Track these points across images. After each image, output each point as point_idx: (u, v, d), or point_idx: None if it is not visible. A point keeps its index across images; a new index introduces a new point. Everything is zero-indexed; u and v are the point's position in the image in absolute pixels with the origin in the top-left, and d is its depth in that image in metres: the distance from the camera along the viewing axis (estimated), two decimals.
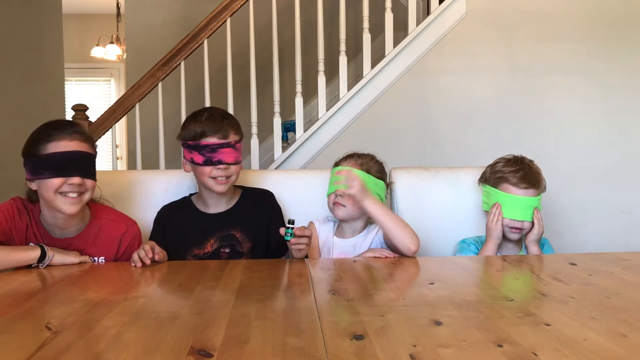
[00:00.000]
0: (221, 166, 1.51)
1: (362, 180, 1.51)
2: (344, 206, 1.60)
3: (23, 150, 1.39)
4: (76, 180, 1.34)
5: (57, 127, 1.39)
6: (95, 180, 1.42)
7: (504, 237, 1.68)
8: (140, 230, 1.54)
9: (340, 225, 1.68)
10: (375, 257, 1.48)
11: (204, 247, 1.58)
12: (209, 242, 1.58)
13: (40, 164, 1.35)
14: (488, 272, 1.33)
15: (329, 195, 1.65)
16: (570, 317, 0.90)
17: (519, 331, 0.82)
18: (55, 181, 1.34)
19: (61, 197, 1.35)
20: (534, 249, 1.66)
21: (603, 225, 2.83)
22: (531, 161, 1.71)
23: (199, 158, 1.52)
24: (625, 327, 0.84)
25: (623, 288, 1.11)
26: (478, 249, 1.71)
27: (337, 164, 1.68)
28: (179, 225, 1.60)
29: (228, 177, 1.54)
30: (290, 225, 1.40)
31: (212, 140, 1.51)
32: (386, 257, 1.47)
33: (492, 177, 1.70)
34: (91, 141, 1.44)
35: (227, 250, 1.57)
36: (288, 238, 1.39)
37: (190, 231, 1.59)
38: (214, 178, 1.53)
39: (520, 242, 1.72)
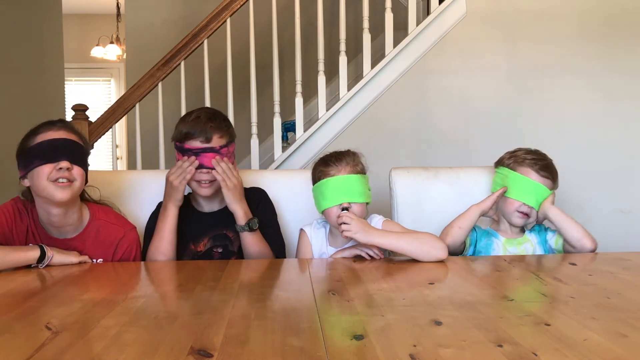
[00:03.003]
0: (203, 170, 1.51)
1: (360, 222, 1.43)
2: (354, 219, 1.48)
3: (16, 151, 1.40)
4: (64, 164, 1.34)
5: (46, 122, 1.42)
6: (84, 169, 1.41)
7: (509, 223, 1.68)
8: (138, 236, 1.54)
9: (334, 233, 1.59)
10: (358, 255, 1.46)
11: (197, 245, 1.59)
12: (203, 242, 1.58)
13: (30, 155, 1.36)
14: (488, 272, 1.33)
15: (326, 210, 1.52)
16: (570, 317, 0.90)
17: (519, 331, 0.82)
18: (46, 168, 1.34)
19: (52, 185, 1.34)
20: (554, 211, 1.63)
21: (603, 225, 2.83)
22: (551, 160, 1.73)
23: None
24: (625, 327, 0.84)
25: (623, 288, 1.11)
26: (475, 233, 1.72)
27: (323, 173, 1.54)
28: (177, 225, 1.60)
29: (211, 181, 1.54)
30: (345, 211, 1.45)
31: (195, 144, 1.51)
32: (372, 257, 1.44)
33: (513, 160, 1.70)
34: (81, 136, 1.45)
35: (220, 250, 1.58)
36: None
37: (186, 229, 1.59)
38: (197, 181, 1.54)
39: (522, 229, 1.72)
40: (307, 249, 1.60)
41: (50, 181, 1.34)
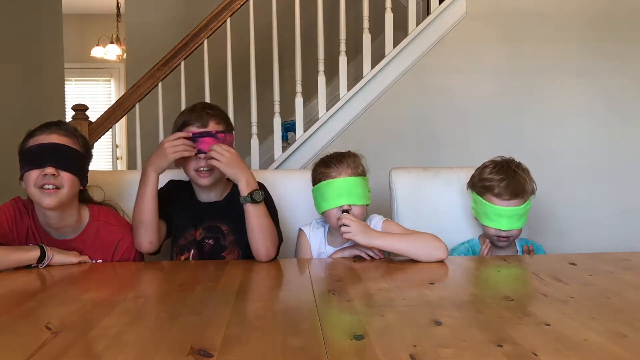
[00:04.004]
0: (201, 155, 1.49)
1: (360, 224, 1.43)
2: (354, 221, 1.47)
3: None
4: (49, 170, 1.32)
5: (43, 125, 1.41)
6: (76, 174, 1.38)
7: (494, 245, 1.68)
8: None
9: (333, 233, 1.59)
10: (357, 255, 1.46)
11: (196, 232, 1.58)
12: (198, 230, 1.58)
13: (22, 159, 1.37)
14: (488, 272, 1.33)
15: (326, 212, 1.52)
16: (570, 317, 0.90)
17: (519, 331, 0.82)
18: (33, 173, 1.33)
19: (39, 191, 1.34)
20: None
21: (603, 225, 2.83)
22: (519, 166, 1.67)
23: None
24: (625, 327, 0.84)
25: (623, 288, 1.11)
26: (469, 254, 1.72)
27: (324, 174, 1.52)
28: (178, 206, 1.59)
29: (210, 170, 1.51)
30: (345, 213, 1.44)
31: (192, 129, 1.50)
32: (371, 258, 1.44)
33: (479, 184, 1.67)
34: (77, 138, 1.42)
35: (211, 242, 1.57)
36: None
37: (184, 215, 1.58)
38: (196, 170, 1.52)
39: (513, 246, 1.72)
40: (306, 248, 1.60)
41: (37, 187, 1.33)
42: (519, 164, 1.68)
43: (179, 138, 1.48)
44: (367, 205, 1.56)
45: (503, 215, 1.61)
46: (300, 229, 1.64)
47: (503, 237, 1.63)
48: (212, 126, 1.51)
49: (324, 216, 1.55)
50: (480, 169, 1.71)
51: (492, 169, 1.67)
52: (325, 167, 1.54)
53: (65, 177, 1.36)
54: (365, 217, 1.58)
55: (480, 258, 1.58)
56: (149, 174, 1.49)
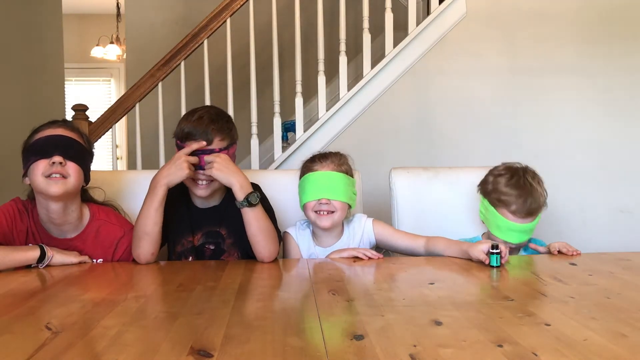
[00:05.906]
0: (200, 171, 1.48)
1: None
2: (333, 212, 1.52)
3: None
4: (57, 158, 1.35)
5: (49, 122, 1.43)
6: (81, 167, 1.40)
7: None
8: None
9: (317, 233, 1.61)
10: (355, 257, 1.46)
11: (194, 238, 1.58)
12: (197, 235, 1.57)
13: (28, 152, 1.38)
14: (488, 272, 1.33)
15: (305, 205, 1.55)
16: (570, 317, 0.90)
17: (519, 331, 0.82)
18: (40, 164, 1.35)
19: (46, 180, 1.35)
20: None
21: (603, 225, 2.83)
22: (534, 177, 1.61)
23: None
24: (625, 327, 0.84)
25: (623, 288, 1.11)
26: None
27: (307, 168, 1.58)
28: (175, 212, 1.58)
29: (209, 182, 1.51)
30: (495, 251, 1.33)
31: (195, 145, 1.47)
32: (369, 257, 1.44)
33: (493, 195, 1.60)
34: (82, 135, 1.46)
35: (212, 247, 1.57)
36: (495, 264, 1.32)
37: (182, 221, 1.57)
38: (194, 180, 1.51)
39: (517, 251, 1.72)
40: (294, 249, 1.61)
41: (44, 177, 1.35)
42: (534, 175, 1.62)
43: (194, 152, 1.46)
44: (350, 206, 1.57)
45: (515, 230, 1.58)
46: (285, 232, 1.64)
47: (510, 247, 1.59)
48: (216, 143, 1.48)
49: (304, 209, 1.57)
50: (494, 177, 1.63)
51: (507, 180, 1.59)
52: (310, 161, 1.60)
53: (72, 167, 1.38)
54: (348, 217, 1.61)
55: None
56: (159, 188, 1.45)
